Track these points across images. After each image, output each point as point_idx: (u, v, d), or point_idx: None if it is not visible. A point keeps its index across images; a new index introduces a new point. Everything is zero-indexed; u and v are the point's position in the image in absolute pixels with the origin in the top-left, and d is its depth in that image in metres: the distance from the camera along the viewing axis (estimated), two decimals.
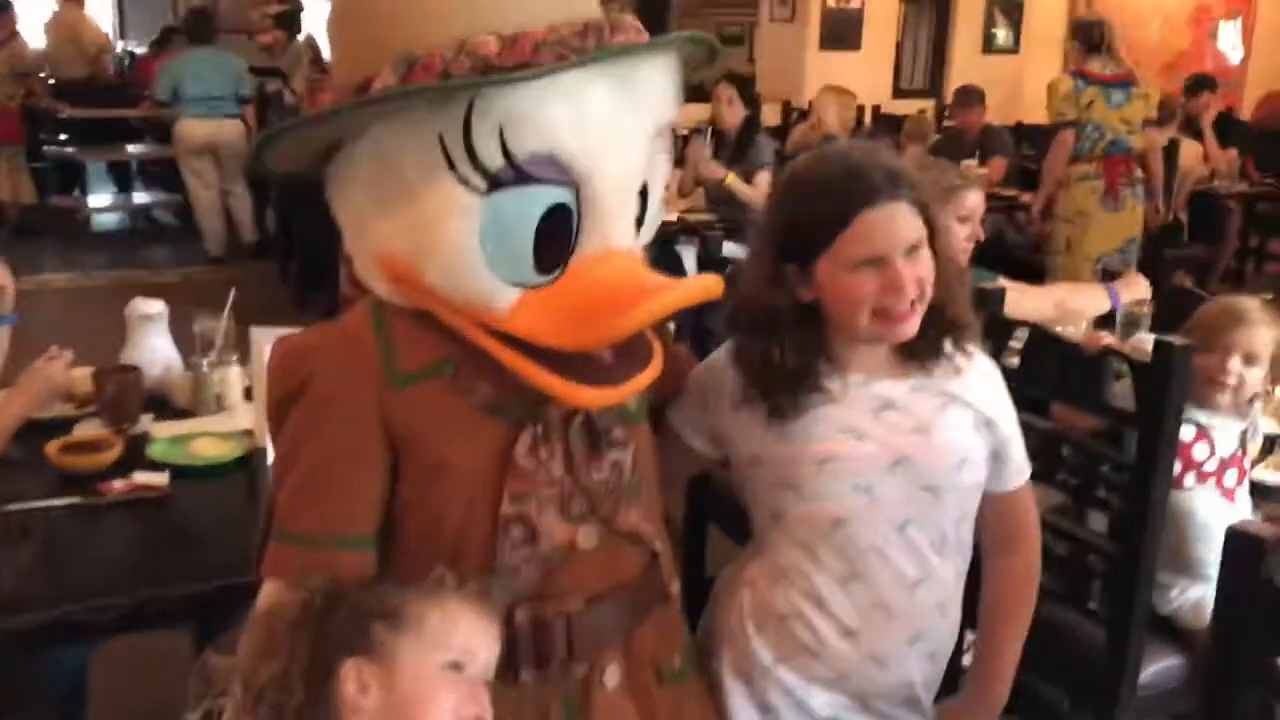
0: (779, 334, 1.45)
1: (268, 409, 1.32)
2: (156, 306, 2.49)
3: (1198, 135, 6.94)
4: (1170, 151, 6.01)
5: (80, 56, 8.64)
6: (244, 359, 2.42)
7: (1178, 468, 2.24)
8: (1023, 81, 8.71)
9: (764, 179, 4.92)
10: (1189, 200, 6.39)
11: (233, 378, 2.40)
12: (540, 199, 1.18)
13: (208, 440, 2.20)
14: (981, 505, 1.57)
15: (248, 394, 2.41)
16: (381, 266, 1.26)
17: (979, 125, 6.59)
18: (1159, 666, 2.21)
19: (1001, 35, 9.04)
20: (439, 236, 1.18)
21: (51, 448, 2.07)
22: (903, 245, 1.42)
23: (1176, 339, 2.06)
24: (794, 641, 1.50)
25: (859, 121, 6.95)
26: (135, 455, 2.13)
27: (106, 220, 8.95)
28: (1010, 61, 8.81)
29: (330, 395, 1.26)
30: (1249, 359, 2.23)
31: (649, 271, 1.27)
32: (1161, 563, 2.22)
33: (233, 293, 2.50)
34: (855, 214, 1.40)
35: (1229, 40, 10.18)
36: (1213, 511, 2.19)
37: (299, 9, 8.81)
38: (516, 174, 1.16)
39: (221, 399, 2.40)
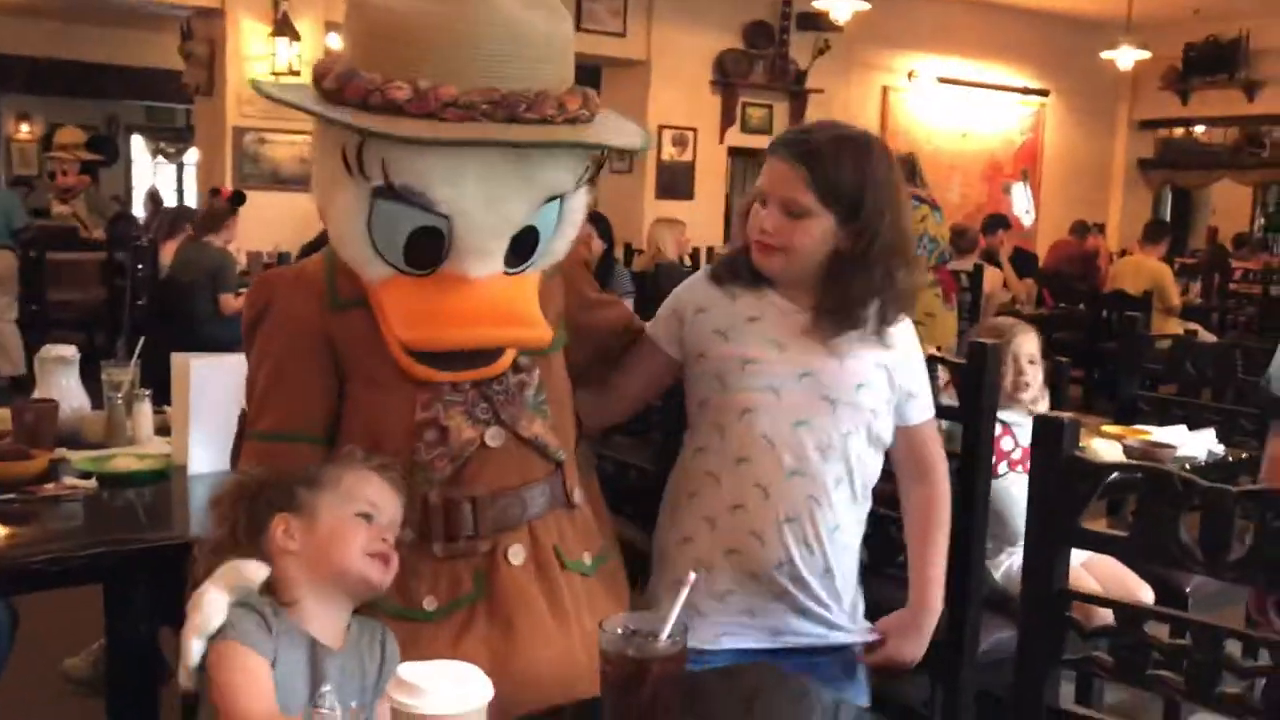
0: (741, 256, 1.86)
1: (243, 335, 1.57)
2: (69, 350, 2.63)
3: (997, 266, 7.71)
4: (975, 276, 6.68)
5: None
6: (157, 398, 2.58)
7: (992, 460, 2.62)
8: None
9: (627, 305, 5.38)
10: None
11: (144, 413, 2.55)
12: (411, 218, 1.45)
13: (127, 458, 2.34)
14: (895, 439, 1.91)
15: (158, 430, 2.57)
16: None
17: None
18: (995, 638, 2.52)
19: None
20: (339, 209, 1.48)
21: None
22: (773, 195, 1.77)
23: (985, 340, 2.44)
24: (698, 517, 1.81)
25: (694, 256, 7.48)
26: (58, 472, 2.26)
27: None
28: None
29: (284, 316, 1.55)
30: (1032, 360, 2.77)
31: (512, 300, 1.52)
32: (989, 539, 2.57)
33: (141, 340, 2.67)
34: (766, 159, 1.80)
35: (1022, 205, 11.32)
36: (1024, 491, 2.56)
37: (104, 162, 9.14)
38: (393, 194, 1.43)
39: (134, 435, 2.53)
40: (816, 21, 8.95)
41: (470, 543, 1.54)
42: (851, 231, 1.77)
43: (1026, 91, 11.17)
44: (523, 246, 1.52)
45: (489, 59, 1.39)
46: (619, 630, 1.19)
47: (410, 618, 1.50)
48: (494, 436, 1.55)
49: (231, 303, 6.02)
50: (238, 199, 6.56)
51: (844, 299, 1.78)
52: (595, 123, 1.49)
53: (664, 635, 1.17)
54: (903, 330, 1.90)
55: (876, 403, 1.85)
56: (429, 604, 1.52)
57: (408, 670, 1.06)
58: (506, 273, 1.51)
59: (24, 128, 13.35)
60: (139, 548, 1.97)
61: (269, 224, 6.95)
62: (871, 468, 1.89)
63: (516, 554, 1.57)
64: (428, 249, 1.46)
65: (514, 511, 1.57)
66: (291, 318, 1.55)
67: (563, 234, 1.58)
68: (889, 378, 1.86)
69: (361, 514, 1.40)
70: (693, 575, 1.26)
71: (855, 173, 1.76)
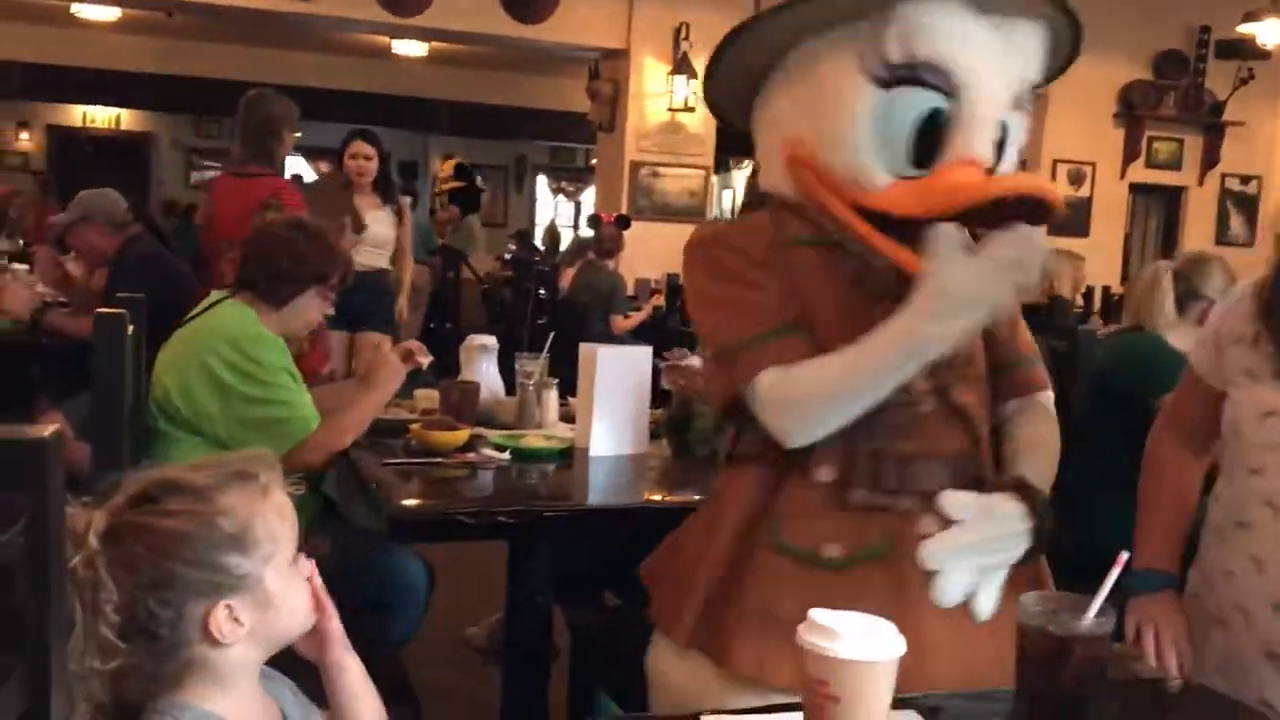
0: None
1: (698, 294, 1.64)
2: (490, 340, 2.87)
3: None
4: None
5: None
6: (563, 388, 2.75)
7: None
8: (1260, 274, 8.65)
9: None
10: None
11: (551, 399, 2.73)
12: (924, 100, 1.45)
13: (536, 437, 2.52)
14: None
15: (562, 419, 2.74)
16: (784, 149, 1.55)
17: None
18: None
19: (1235, 228, 9.06)
20: (843, 120, 1.47)
21: (415, 427, 2.43)
22: None
23: None
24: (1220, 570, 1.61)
25: (1088, 296, 7.06)
26: (476, 445, 2.46)
27: None
28: (1244, 254, 8.76)
29: (730, 249, 1.58)
30: None
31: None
32: None
33: (551, 335, 2.86)
34: None
35: None
36: None
37: (471, 188, 9.70)
38: (911, 74, 1.44)
39: (541, 419, 2.71)
40: (1239, 48, 8.26)
41: (892, 497, 1.49)
42: None
43: None
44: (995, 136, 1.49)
45: None
46: (1039, 606, 1.12)
47: (805, 560, 1.49)
48: (925, 400, 1.50)
49: (621, 323, 6.33)
50: (623, 222, 6.92)
51: None
52: None
53: (1090, 614, 1.09)
54: None
55: None
56: (830, 550, 1.48)
57: (821, 614, 1.05)
58: None
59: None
60: (543, 512, 2.13)
61: (656, 252, 7.25)
62: None
63: (928, 524, 1.46)
64: (932, 138, 1.45)
65: (935, 477, 1.49)
66: (736, 251, 1.57)
67: (1008, 156, 1.53)
68: None
69: (294, 558, 1.24)
70: (1124, 555, 1.15)
71: None
